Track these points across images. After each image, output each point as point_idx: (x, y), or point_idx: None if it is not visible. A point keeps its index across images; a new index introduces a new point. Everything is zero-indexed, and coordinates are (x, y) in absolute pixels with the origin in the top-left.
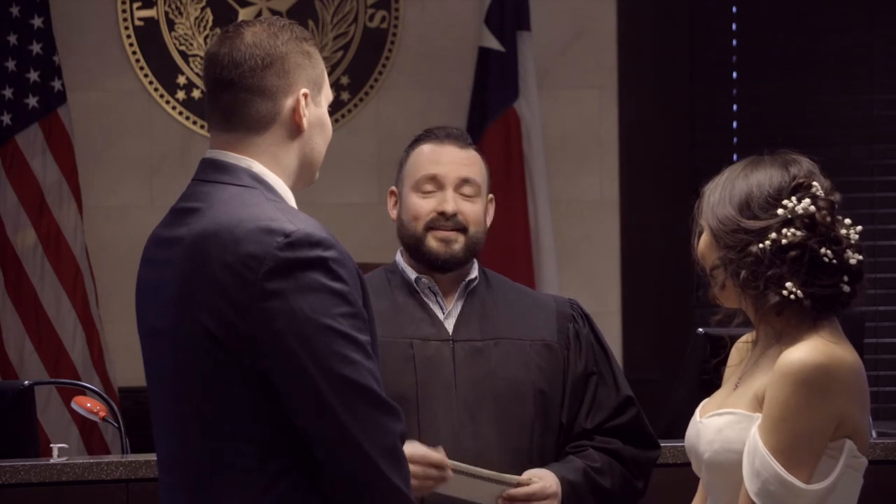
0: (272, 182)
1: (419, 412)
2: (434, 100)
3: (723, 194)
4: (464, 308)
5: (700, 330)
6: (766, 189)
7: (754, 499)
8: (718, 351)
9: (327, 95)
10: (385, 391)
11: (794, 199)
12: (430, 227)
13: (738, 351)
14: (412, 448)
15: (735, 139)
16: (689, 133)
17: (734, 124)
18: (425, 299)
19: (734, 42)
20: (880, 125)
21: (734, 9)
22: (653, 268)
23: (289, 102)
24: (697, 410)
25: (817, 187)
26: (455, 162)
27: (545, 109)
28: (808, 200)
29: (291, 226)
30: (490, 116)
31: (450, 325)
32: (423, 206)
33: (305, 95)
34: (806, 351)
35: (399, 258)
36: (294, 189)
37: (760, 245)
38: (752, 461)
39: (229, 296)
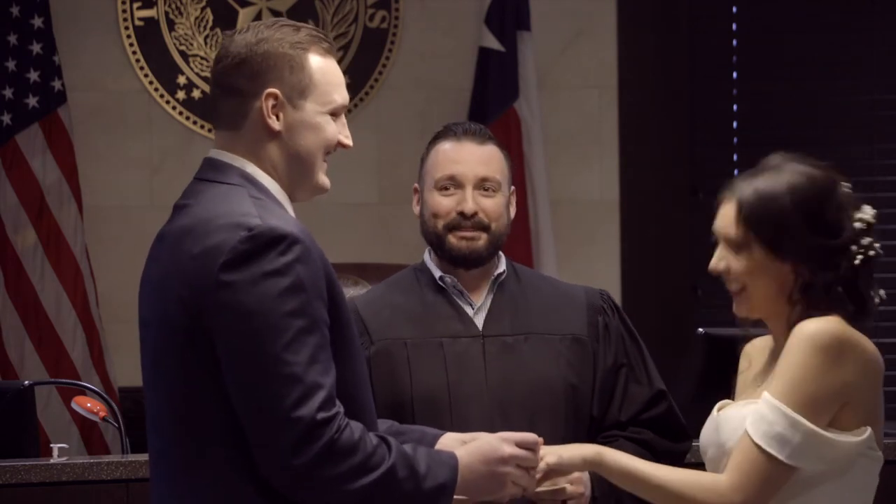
0: (265, 184)
1: (451, 413)
2: (434, 100)
3: (781, 211)
4: (494, 302)
5: (700, 330)
6: (835, 202)
7: (759, 442)
8: (720, 352)
9: (323, 100)
10: (417, 393)
11: (865, 208)
12: (450, 227)
13: (747, 356)
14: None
15: (735, 139)
16: (689, 133)
17: (734, 124)
18: (453, 296)
19: (734, 42)
20: (880, 125)
21: (734, 9)
22: (653, 268)
23: (257, 104)
24: (714, 409)
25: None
26: (473, 160)
27: (545, 109)
28: (868, 206)
29: (258, 220)
30: (490, 116)
31: (479, 320)
32: (444, 204)
33: (274, 97)
34: (822, 321)
35: (427, 256)
36: (301, 199)
37: (854, 261)
38: (758, 409)
39: (192, 286)
